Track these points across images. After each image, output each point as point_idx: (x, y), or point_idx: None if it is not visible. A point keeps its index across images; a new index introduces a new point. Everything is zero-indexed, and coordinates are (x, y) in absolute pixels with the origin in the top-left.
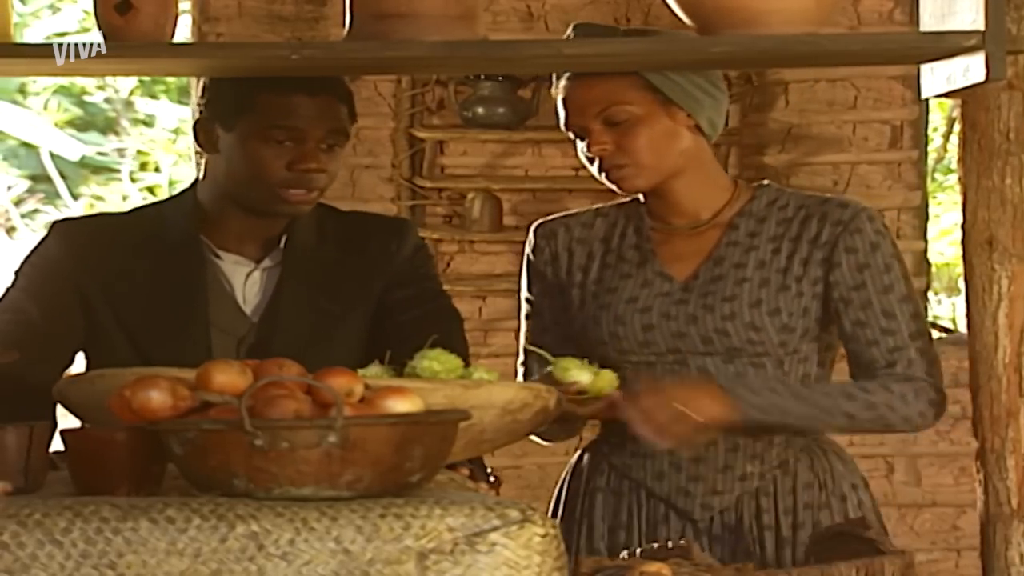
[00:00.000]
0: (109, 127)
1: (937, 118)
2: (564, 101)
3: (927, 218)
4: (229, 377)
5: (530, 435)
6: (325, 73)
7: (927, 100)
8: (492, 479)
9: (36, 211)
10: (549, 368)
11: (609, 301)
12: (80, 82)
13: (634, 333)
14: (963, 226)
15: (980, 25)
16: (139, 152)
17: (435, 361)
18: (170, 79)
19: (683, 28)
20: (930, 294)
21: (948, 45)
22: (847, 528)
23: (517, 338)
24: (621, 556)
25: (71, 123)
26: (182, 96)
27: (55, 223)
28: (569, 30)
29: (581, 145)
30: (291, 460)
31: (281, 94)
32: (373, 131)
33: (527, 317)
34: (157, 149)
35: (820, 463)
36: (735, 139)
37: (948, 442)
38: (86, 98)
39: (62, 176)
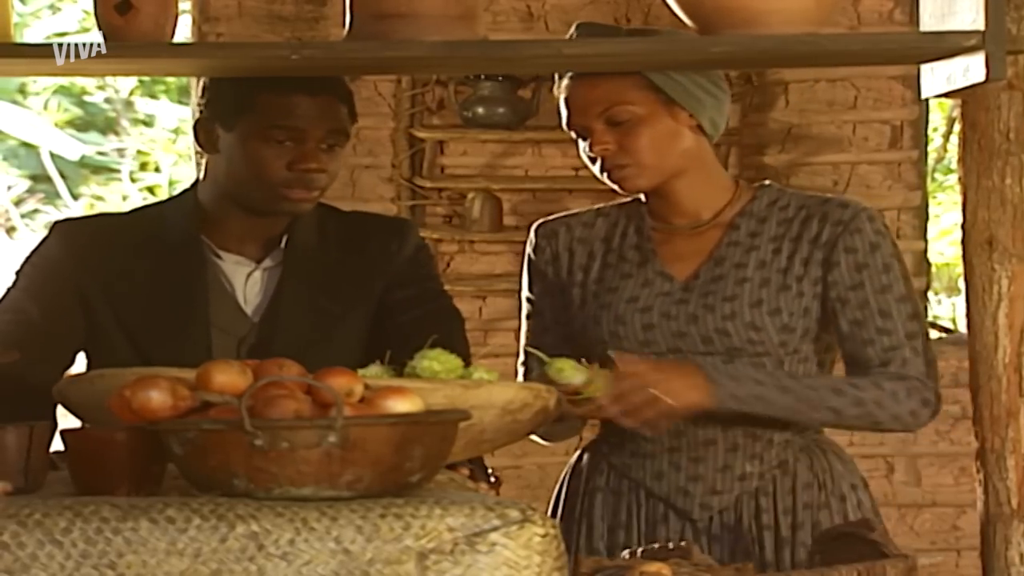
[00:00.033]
0: (109, 127)
1: (937, 118)
2: (566, 101)
3: (927, 218)
4: (229, 377)
5: (530, 435)
6: (325, 73)
7: (927, 100)
8: (492, 479)
9: (36, 211)
10: (544, 368)
11: (610, 301)
12: (80, 82)
13: (634, 332)
14: (963, 226)
15: (980, 25)
16: (139, 152)
17: (435, 361)
18: (170, 79)
19: (683, 28)
20: (930, 294)
21: (948, 45)
22: (851, 529)
23: (517, 338)
24: (622, 555)
25: (71, 123)
26: (182, 96)
27: (56, 223)
28: (572, 29)
29: (583, 145)
30: (291, 460)
31: (281, 94)
32: (373, 131)
33: (528, 317)
34: (157, 149)
35: (819, 463)
36: (735, 139)
37: (948, 442)
38: (86, 98)
39: (62, 176)
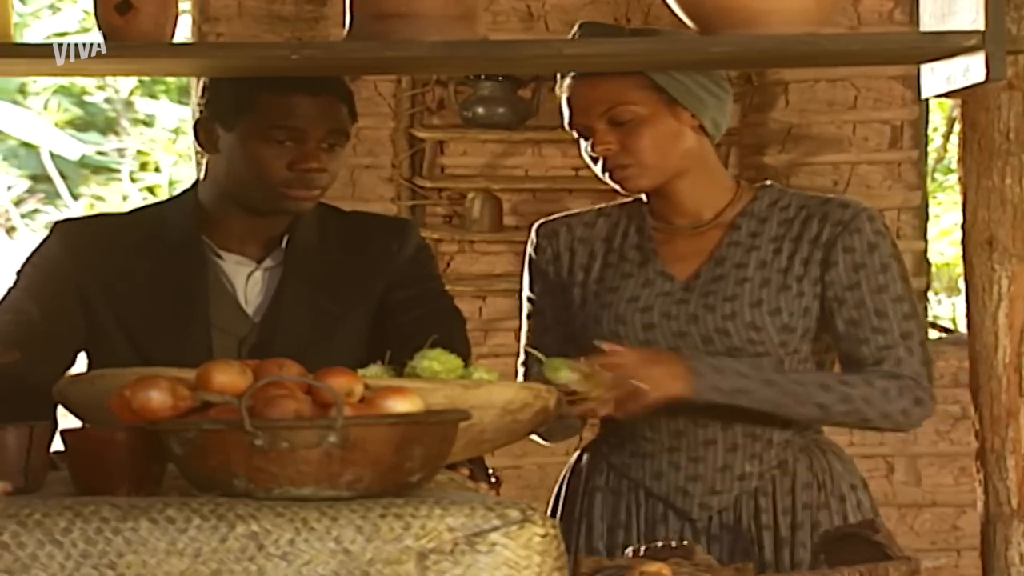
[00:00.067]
0: (109, 127)
1: (937, 118)
2: (568, 100)
3: (927, 218)
4: (229, 377)
5: (530, 435)
6: (325, 73)
7: (927, 100)
8: (492, 479)
9: (36, 211)
10: (541, 368)
11: (610, 300)
12: (80, 82)
13: (635, 332)
14: (963, 226)
15: (980, 25)
16: (139, 152)
17: (435, 361)
18: (170, 79)
19: (683, 28)
20: (930, 294)
21: (948, 45)
22: (855, 530)
23: (517, 338)
24: (625, 554)
25: (71, 123)
26: (182, 96)
27: (56, 223)
28: (575, 29)
29: (585, 144)
30: (291, 460)
31: (281, 94)
32: (373, 131)
33: (528, 316)
34: (157, 149)
35: (819, 463)
36: (735, 139)
37: (948, 442)
38: (86, 98)
39: (62, 176)
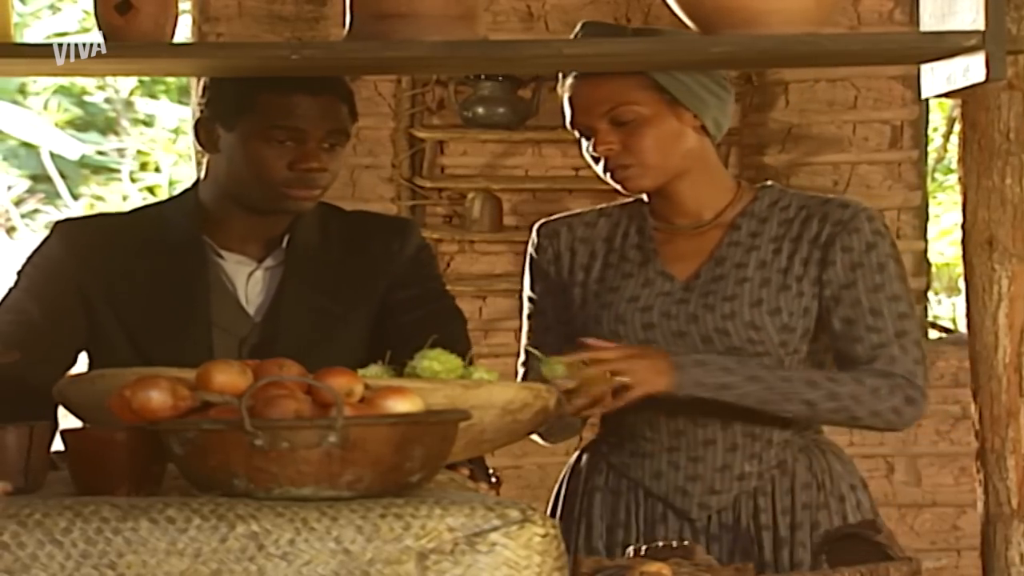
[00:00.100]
0: (109, 127)
1: (937, 118)
2: (570, 100)
3: (927, 218)
4: (229, 377)
5: (530, 435)
6: (325, 73)
7: (927, 100)
8: (493, 479)
9: (36, 211)
10: (539, 367)
11: (611, 300)
12: (80, 82)
13: (635, 332)
14: (963, 226)
15: (980, 25)
16: (139, 152)
17: (435, 361)
18: (170, 79)
19: (683, 28)
20: (930, 294)
21: (948, 45)
22: (856, 530)
23: (517, 338)
24: (626, 554)
25: (71, 123)
26: (182, 96)
27: (57, 223)
28: (577, 28)
29: (586, 144)
30: (291, 460)
31: (282, 94)
32: (373, 131)
33: (529, 316)
34: (157, 149)
35: (818, 463)
36: (735, 139)
37: (948, 442)
38: (86, 98)
39: (62, 176)
